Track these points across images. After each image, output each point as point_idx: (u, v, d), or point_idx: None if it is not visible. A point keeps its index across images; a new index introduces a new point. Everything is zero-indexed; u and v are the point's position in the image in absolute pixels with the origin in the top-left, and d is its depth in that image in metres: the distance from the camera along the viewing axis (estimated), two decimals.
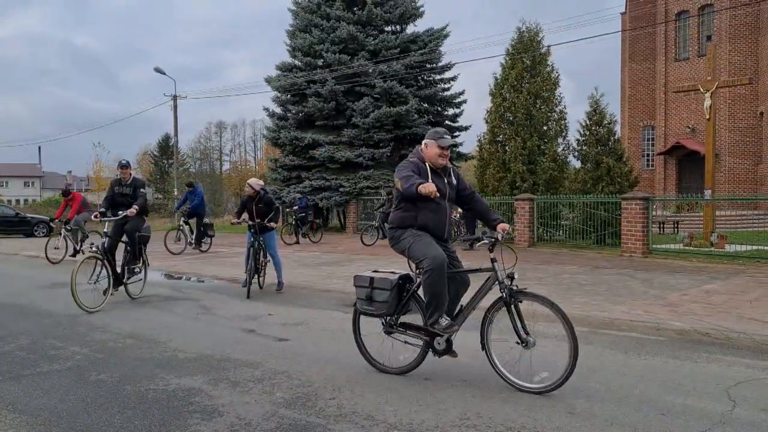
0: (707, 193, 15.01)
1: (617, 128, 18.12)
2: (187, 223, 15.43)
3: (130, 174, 8.55)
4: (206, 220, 15.66)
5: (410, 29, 25.86)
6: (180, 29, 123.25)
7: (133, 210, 8.03)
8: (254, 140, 75.33)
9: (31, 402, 4.07)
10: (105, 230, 8.06)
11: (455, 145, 25.09)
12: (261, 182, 9.49)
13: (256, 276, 9.05)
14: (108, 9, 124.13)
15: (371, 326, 4.95)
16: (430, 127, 24.18)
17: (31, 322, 6.85)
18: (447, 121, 26.17)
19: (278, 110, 26.38)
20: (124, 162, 8.51)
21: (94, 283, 7.69)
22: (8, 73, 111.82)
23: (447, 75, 26.11)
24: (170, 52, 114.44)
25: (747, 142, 26.95)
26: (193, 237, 15.29)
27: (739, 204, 23.86)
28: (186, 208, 15.65)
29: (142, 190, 8.47)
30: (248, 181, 9.34)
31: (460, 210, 6.76)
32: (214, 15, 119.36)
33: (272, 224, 9.11)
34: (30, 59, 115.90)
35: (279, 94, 25.99)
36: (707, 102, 15.13)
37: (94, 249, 7.81)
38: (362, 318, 4.89)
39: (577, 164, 18.20)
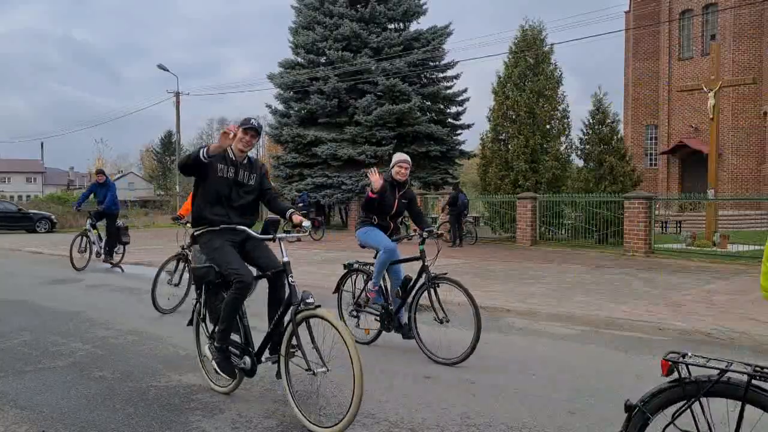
0: (710, 192, 14.97)
1: (620, 127, 18.08)
2: (94, 226, 11.80)
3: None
4: (120, 222, 12.03)
5: (413, 27, 25.86)
6: (180, 26, 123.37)
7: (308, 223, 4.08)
8: None
9: (33, 398, 4.08)
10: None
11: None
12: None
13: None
14: (108, 5, 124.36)
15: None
16: (432, 125, 24.20)
17: (34, 318, 6.87)
18: (450, 119, 26.16)
19: (281, 107, 26.39)
20: (256, 123, 4.08)
21: None
22: (9, 69, 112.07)
23: (450, 73, 26.13)
24: (171, 49, 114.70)
25: (750, 141, 26.87)
26: (102, 245, 11.74)
27: (741, 204, 23.81)
28: (97, 207, 11.85)
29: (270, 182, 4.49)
30: (401, 157, 5.70)
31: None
32: (215, 12, 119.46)
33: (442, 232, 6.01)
34: (31, 56, 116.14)
35: (281, 91, 26.00)
36: (711, 101, 15.09)
37: None
38: None
39: (580, 163, 18.19)
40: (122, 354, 5.26)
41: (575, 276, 10.16)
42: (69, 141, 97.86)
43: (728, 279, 9.75)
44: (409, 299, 5.35)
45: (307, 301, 3.55)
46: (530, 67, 19.66)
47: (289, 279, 3.72)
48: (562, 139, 19.50)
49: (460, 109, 26.18)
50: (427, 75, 25.73)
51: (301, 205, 19.43)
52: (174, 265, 7.43)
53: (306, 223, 3.99)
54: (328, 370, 3.44)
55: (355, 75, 23.71)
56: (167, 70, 30.93)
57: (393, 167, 5.75)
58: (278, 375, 3.76)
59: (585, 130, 17.37)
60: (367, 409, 3.85)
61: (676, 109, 28.84)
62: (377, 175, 5.51)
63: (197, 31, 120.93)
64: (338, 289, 6.13)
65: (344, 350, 3.33)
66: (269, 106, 26.60)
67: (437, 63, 25.66)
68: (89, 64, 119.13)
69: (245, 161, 4.18)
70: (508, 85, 19.72)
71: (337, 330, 3.38)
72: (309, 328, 3.52)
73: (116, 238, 11.79)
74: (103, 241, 11.77)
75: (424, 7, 25.61)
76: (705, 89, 15.40)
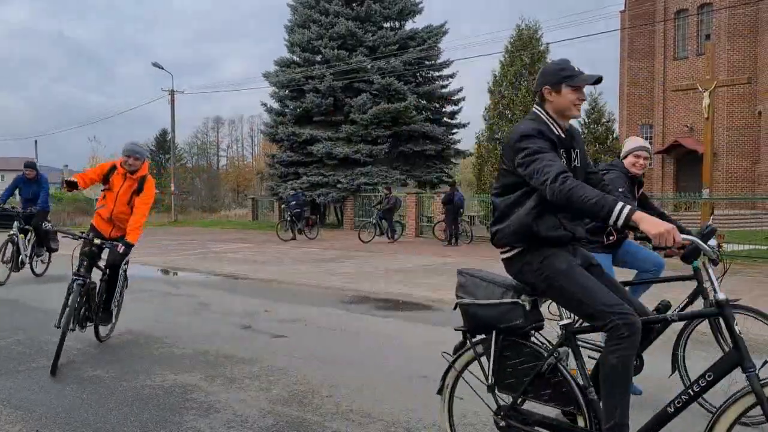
0: (705, 192, 15.02)
1: (615, 126, 18.15)
2: (24, 231, 9.78)
3: None
4: (48, 224, 9.99)
5: (409, 26, 25.86)
6: (177, 24, 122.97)
7: None
8: (252, 136, 75.24)
9: (27, 397, 4.05)
10: None
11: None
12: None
13: None
14: (105, 3, 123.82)
15: None
16: (428, 124, 24.18)
17: (27, 317, 6.82)
18: (445, 118, 26.18)
19: (276, 106, 26.36)
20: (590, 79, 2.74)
21: None
22: (3, 67, 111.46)
23: (445, 72, 26.15)
24: (167, 47, 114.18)
25: (745, 141, 26.97)
26: (28, 251, 9.80)
27: (736, 203, 23.90)
28: (30, 207, 10.00)
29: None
30: (638, 143, 4.48)
31: None
32: (213, 10, 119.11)
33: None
34: (24, 53, 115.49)
35: (277, 90, 25.98)
36: (706, 101, 15.12)
37: None
38: None
39: None
40: (117, 353, 5.22)
41: None
42: (63, 139, 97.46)
43: (724, 279, 9.76)
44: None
45: None
46: (526, 66, 19.70)
47: (736, 329, 2.35)
48: None
49: (455, 108, 26.22)
50: (423, 74, 25.73)
51: (294, 203, 19.38)
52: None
53: (713, 241, 2.40)
54: None
55: (350, 73, 23.69)
56: (162, 68, 30.83)
57: (626, 156, 4.43)
58: None
59: (580, 130, 17.43)
60: (363, 408, 3.84)
61: (671, 109, 28.91)
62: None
63: (194, 29, 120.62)
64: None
65: None
66: (264, 105, 26.61)
67: (433, 62, 25.68)
68: (83, 61, 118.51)
69: (568, 132, 2.74)
70: (504, 84, 19.78)
71: None
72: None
73: (45, 241, 9.93)
74: (30, 245, 9.88)
75: (419, 6, 25.62)
76: (700, 89, 15.43)
